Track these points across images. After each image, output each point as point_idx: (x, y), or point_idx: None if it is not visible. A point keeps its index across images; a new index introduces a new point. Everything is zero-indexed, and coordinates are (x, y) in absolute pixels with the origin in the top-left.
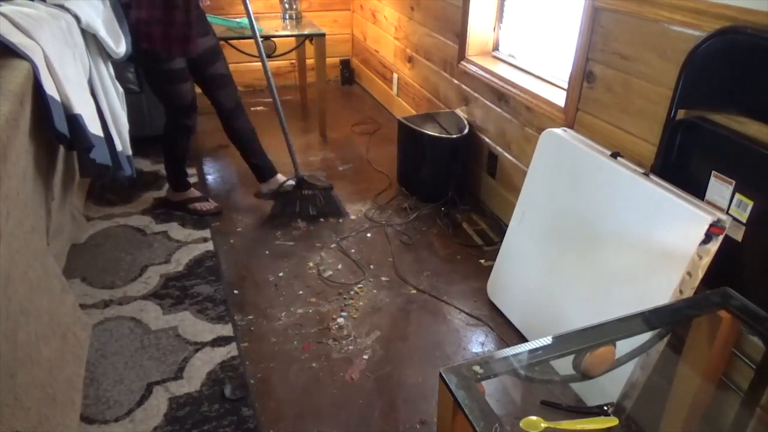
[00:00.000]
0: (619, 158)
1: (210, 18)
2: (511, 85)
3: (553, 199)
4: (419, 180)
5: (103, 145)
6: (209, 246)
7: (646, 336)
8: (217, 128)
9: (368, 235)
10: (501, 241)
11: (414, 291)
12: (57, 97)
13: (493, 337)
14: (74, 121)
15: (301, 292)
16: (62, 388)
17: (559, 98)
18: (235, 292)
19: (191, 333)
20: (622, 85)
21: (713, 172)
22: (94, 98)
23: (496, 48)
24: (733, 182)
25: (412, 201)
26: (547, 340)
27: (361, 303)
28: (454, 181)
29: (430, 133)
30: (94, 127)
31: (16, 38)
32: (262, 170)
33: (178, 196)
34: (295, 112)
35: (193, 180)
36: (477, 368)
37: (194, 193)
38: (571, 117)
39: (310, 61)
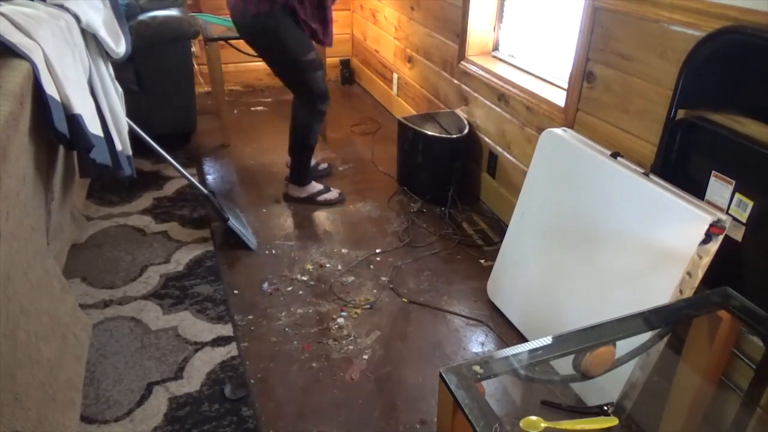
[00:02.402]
0: (619, 158)
1: (209, 18)
2: (511, 85)
3: (553, 199)
4: (419, 180)
5: (103, 145)
6: (209, 246)
7: (646, 336)
8: (218, 128)
9: (368, 235)
10: (501, 241)
11: (405, 300)
12: (57, 97)
13: (493, 337)
14: (74, 121)
15: (300, 292)
16: (62, 388)
17: (559, 98)
18: (235, 292)
19: (191, 333)
20: (622, 85)
21: (713, 172)
22: (94, 98)
23: (496, 48)
24: (733, 182)
25: (412, 201)
26: (547, 340)
27: (360, 303)
28: (454, 181)
29: (430, 133)
30: (94, 127)
31: (16, 38)
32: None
33: (304, 191)
34: None
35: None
36: (477, 368)
37: (317, 185)
38: (571, 117)
39: None
